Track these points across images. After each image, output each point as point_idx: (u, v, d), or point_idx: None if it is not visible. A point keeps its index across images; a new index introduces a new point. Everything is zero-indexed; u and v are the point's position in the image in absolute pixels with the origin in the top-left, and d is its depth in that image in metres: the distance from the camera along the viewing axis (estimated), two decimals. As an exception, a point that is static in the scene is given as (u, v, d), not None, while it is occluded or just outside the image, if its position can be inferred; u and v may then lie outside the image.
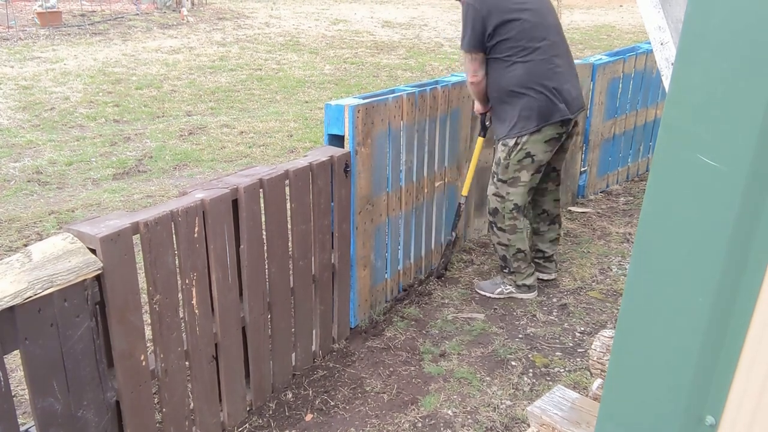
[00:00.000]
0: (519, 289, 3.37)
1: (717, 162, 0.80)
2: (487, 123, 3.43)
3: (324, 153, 2.70)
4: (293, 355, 2.73)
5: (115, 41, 10.48)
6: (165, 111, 6.87)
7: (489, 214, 3.30)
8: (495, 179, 3.21)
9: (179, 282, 2.10)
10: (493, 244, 3.37)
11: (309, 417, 2.53)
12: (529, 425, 1.90)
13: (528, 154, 3.09)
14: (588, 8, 16.25)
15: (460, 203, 3.57)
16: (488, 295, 3.40)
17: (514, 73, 3.04)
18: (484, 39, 3.02)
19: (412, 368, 2.82)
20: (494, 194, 3.23)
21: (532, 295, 3.39)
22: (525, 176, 3.14)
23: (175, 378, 2.15)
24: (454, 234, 3.61)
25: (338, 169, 2.72)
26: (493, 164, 3.24)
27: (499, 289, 3.39)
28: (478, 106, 3.34)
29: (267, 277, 2.48)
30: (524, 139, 3.07)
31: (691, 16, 0.80)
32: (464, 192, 3.54)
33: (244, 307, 2.40)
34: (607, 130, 4.65)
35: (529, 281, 3.36)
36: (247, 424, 2.48)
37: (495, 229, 3.28)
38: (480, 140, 3.46)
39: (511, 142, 3.10)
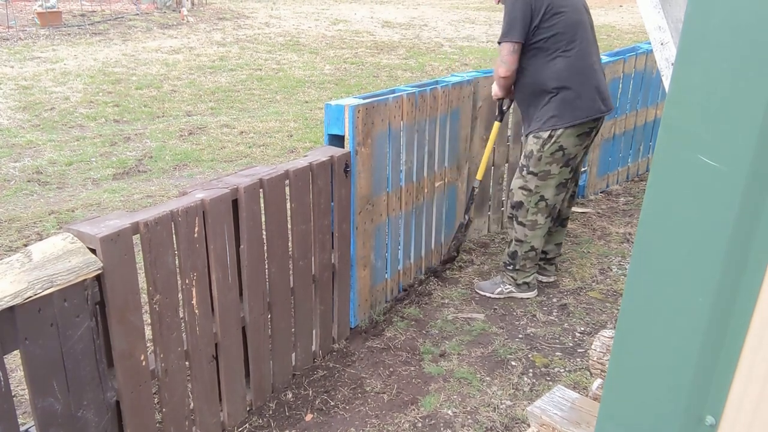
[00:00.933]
0: (519, 288, 3.36)
1: (717, 162, 0.80)
2: (504, 108, 3.41)
3: (324, 153, 2.70)
4: (293, 355, 2.74)
5: (115, 41, 10.48)
6: (165, 111, 6.88)
7: (512, 207, 3.28)
8: (524, 172, 3.18)
9: (179, 282, 2.10)
10: (510, 239, 3.34)
11: (309, 417, 2.53)
12: (529, 425, 1.90)
13: (560, 147, 3.09)
14: (588, 8, 16.22)
15: (473, 187, 3.57)
16: (488, 295, 3.40)
17: (556, 66, 3.03)
18: (529, 31, 3.00)
19: (412, 368, 2.82)
20: (521, 188, 3.21)
21: (532, 294, 3.39)
22: (555, 169, 3.14)
23: (175, 378, 2.15)
24: (467, 217, 3.61)
25: (338, 169, 2.72)
26: (522, 157, 3.21)
27: (499, 289, 3.39)
28: (497, 91, 3.29)
29: (267, 277, 2.48)
30: (558, 132, 3.06)
31: (691, 16, 0.80)
32: (479, 176, 3.54)
33: (244, 307, 2.40)
34: (607, 130, 4.65)
35: (529, 279, 3.36)
36: (247, 424, 2.48)
37: (515, 223, 3.27)
38: (496, 125, 3.43)
39: (545, 135, 3.08)
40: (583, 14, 3.13)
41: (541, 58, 3.04)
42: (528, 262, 3.31)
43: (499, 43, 3.07)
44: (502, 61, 3.05)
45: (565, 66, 3.02)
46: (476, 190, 3.58)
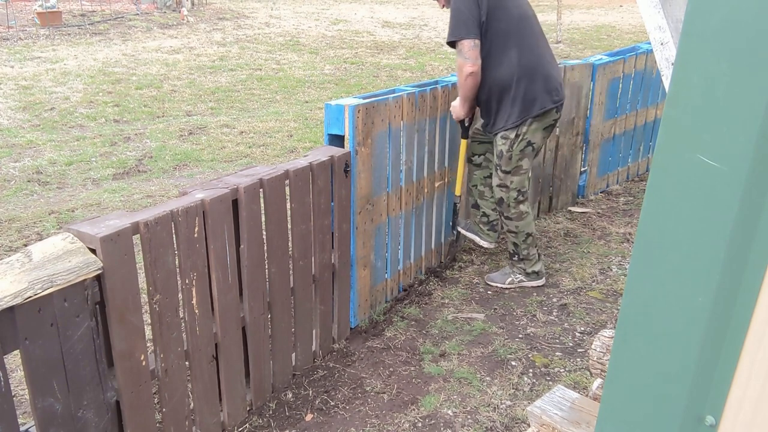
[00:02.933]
0: (528, 277, 3.44)
1: (717, 162, 0.80)
2: (467, 125, 3.42)
3: (324, 153, 2.70)
4: (293, 355, 2.74)
5: (115, 41, 10.48)
6: (165, 111, 6.88)
7: (496, 204, 3.37)
8: (499, 171, 3.25)
9: (179, 282, 2.10)
10: (504, 233, 3.43)
11: (309, 417, 2.53)
12: (529, 425, 1.90)
13: (529, 143, 3.17)
14: (588, 8, 16.24)
15: (455, 203, 3.64)
16: (499, 285, 3.46)
17: (509, 62, 3.06)
18: (481, 25, 3.01)
19: (412, 368, 2.82)
20: (498, 185, 3.28)
21: (541, 282, 3.46)
22: (526, 164, 3.23)
23: (175, 378, 2.15)
24: (455, 232, 3.69)
25: (338, 169, 2.72)
26: (495, 157, 3.27)
27: (510, 279, 3.46)
28: (460, 111, 3.26)
29: (267, 277, 2.48)
30: (524, 129, 3.13)
31: (691, 16, 0.80)
32: (457, 192, 3.60)
33: (244, 307, 2.40)
34: (607, 130, 4.65)
35: (537, 267, 3.44)
36: (247, 424, 2.48)
37: (503, 218, 3.35)
38: (464, 143, 3.46)
39: (512, 135, 3.15)
40: (526, 8, 3.18)
41: (493, 56, 3.08)
42: (531, 249, 3.38)
43: (452, 44, 3.04)
44: (466, 57, 3.02)
45: (517, 60, 3.06)
46: (458, 205, 3.64)
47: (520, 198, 3.28)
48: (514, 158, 3.18)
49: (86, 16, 12.35)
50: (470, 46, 3.01)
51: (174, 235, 2.05)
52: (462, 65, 3.05)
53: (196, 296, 2.16)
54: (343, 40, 11.33)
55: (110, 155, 5.48)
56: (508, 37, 3.05)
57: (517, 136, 3.14)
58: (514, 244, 3.37)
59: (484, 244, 3.59)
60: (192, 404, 2.28)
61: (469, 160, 3.53)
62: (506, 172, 3.22)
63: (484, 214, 3.56)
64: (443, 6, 3.23)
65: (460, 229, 3.64)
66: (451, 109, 3.33)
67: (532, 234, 3.36)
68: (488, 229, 3.57)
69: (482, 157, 3.47)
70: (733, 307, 0.83)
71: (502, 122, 3.16)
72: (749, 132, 0.77)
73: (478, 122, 3.42)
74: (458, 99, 3.24)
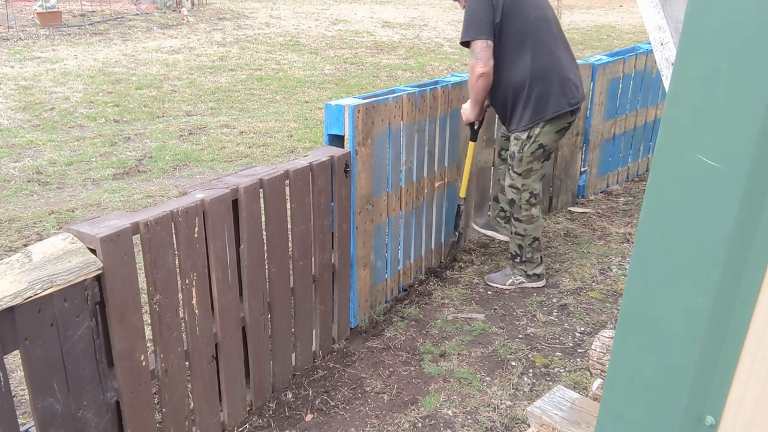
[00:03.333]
0: (529, 279, 3.44)
1: (717, 162, 0.80)
2: (476, 128, 3.43)
3: (324, 153, 2.70)
4: (293, 355, 2.74)
5: (115, 41, 10.48)
6: (165, 111, 6.87)
7: (507, 204, 3.40)
8: (511, 171, 3.28)
9: (179, 282, 2.10)
10: (510, 234, 3.43)
11: (309, 417, 2.53)
12: (529, 425, 1.90)
13: (540, 146, 3.17)
14: (588, 8, 16.25)
15: (459, 204, 3.64)
16: (500, 286, 3.46)
17: (524, 64, 3.05)
18: (494, 26, 3.00)
19: (412, 368, 2.82)
20: (510, 186, 3.29)
21: (541, 284, 3.46)
22: (537, 166, 3.23)
23: (175, 378, 2.15)
24: (457, 233, 3.70)
25: (338, 169, 2.72)
26: (508, 157, 3.30)
27: (510, 280, 3.45)
28: (469, 115, 3.28)
29: (267, 277, 2.48)
30: (536, 131, 3.13)
31: (691, 16, 0.80)
32: (462, 194, 3.60)
33: (244, 307, 2.40)
34: (607, 130, 4.65)
35: (539, 270, 3.44)
36: (247, 424, 2.48)
37: (513, 219, 3.36)
38: (471, 145, 3.46)
39: (524, 136, 3.15)
40: (543, 10, 3.16)
41: (507, 57, 3.06)
42: (534, 253, 3.38)
43: (466, 44, 3.03)
44: (478, 58, 3.01)
45: (531, 63, 3.05)
46: (462, 207, 3.65)
47: (532, 201, 3.27)
48: (525, 160, 3.18)
49: (86, 16, 12.35)
50: (482, 47, 3.00)
51: (174, 235, 2.05)
52: (474, 66, 3.05)
53: (196, 296, 2.16)
54: (343, 40, 11.33)
55: (110, 155, 5.48)
56: (524, 38, 3.03)
57: (528, 137, 3.13)
58: (519, 246, 3.37)
59: (503, 237, 3.65)
60: (192, 404, 2.28)
61: (498, 155, 3.61)
62: (518, 174, 3.23)
63: (502, 209, 3.62)
64: (463, 6, 3.23)
65: (477, 228, 3.70)
66: (461, 111, 3.34)
67: (539, 238, 3.36)
68: (505, 223, 3.62)
69: (509, 153, 3.49)
70: (733, 307, 0.83)
71: (515, 124, 3.17)
72: (749, 132, 0.77)
73: None
74: (469, 101, 3.26)
